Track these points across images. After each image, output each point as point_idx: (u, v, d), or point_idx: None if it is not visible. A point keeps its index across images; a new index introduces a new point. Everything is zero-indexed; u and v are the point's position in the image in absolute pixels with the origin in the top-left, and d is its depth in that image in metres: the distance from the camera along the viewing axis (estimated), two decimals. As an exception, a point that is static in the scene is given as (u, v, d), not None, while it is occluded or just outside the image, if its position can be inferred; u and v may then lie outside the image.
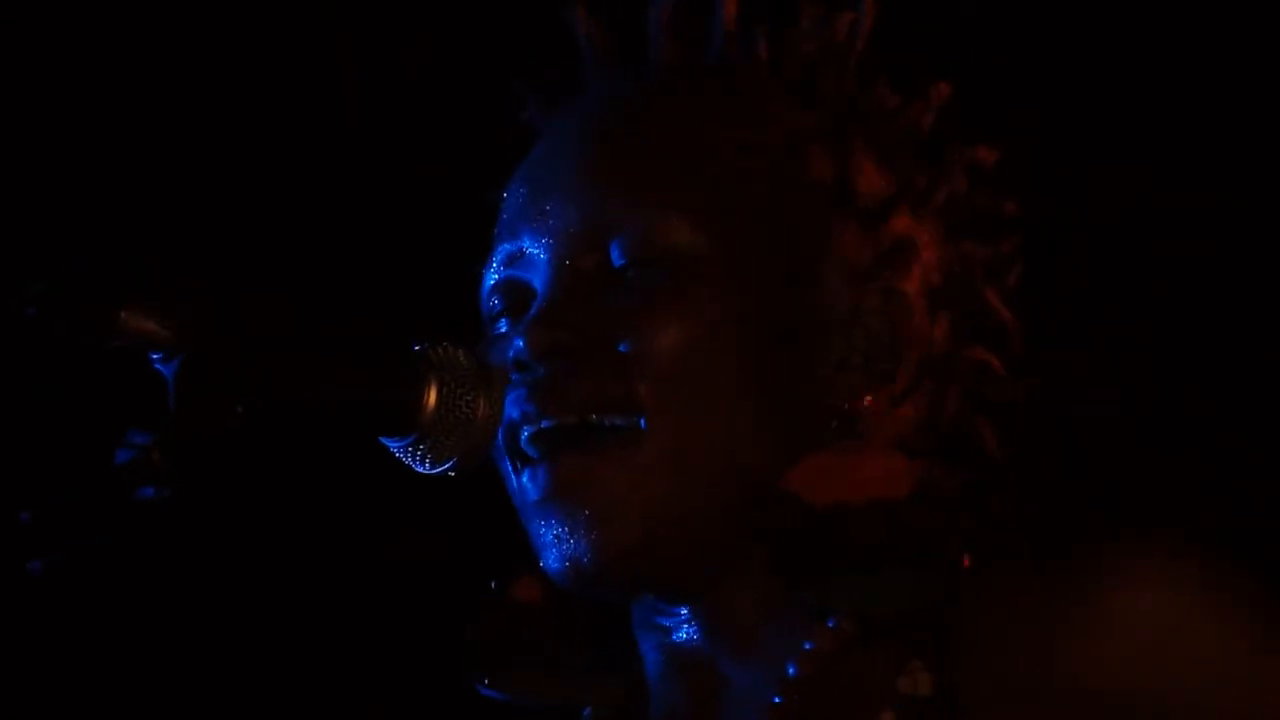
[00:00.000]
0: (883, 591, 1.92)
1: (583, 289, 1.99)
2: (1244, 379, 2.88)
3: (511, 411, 1.97)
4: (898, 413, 2.03)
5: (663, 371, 1.95)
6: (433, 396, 1.90)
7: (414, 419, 1.90)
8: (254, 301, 1.81)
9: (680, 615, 2.01)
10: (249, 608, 3.19)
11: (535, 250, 2.02)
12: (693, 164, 2.01)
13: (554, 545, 1.96)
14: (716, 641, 1.99)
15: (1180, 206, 2.89)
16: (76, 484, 1.72)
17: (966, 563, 1.94)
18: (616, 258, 1.99)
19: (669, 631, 2.02)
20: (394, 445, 1.92)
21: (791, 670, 1.93)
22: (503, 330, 2.05)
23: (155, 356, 1.77)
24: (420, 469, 1.94)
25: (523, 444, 1.98)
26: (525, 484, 1.99)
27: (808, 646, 1.93)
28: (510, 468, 2.01)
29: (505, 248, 2.06)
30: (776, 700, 1.93)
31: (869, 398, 2.01)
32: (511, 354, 1.98)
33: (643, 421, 1.95)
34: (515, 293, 2.05)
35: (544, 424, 1.96)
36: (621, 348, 1.95)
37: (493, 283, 2.07)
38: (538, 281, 2.02)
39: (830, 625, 1.93)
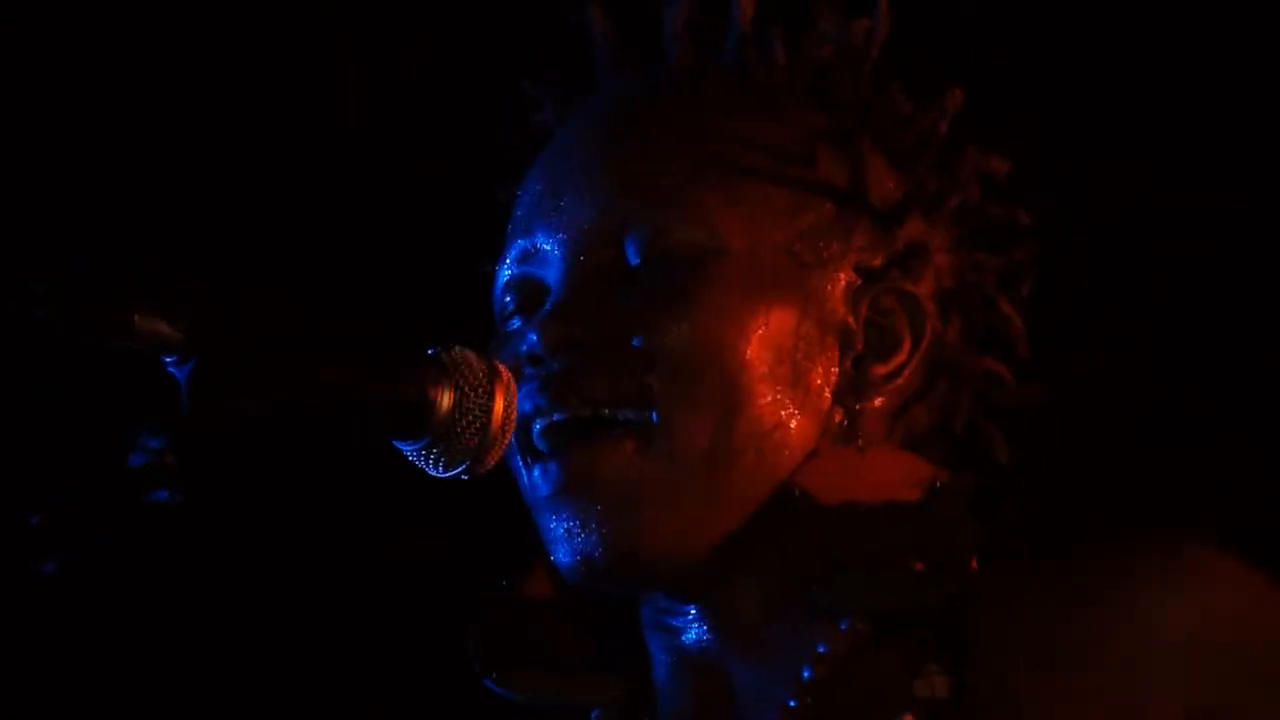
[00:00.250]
0: (893, 592, 1.92)
1: (597, 285, 2.00)
2: (1244, 379, 2.88)
3: (524, 405, 1.97)
4: (909, 414, 2.04)
5: (676, 367, 1.95)
6: (447, 399, 1.90)
7: (428, 422, 1.90)
8: (266, 303, 1.81)
9: (689, 615, 2.01)
10: (249, 608, 3.19)
11: (549, 246, 2.03)
12: (708, 163, 2.02)
13: (565, 540, 1.97)
14: (725, 642, 1.99)
15: (1180, 206, 2.89)
16: (81, 485, 1.72)
17: (974, 565, 1.94)
18: (631, 254, 2.00)
19: (678, 632, 2.02)
20: (408, 448, 1.93)
21: (806, 673, 1.93)
22: (515, 326, 2.06)
23: (168, 359, 1.77)
24: (434, 472, 1.94)
25: (534, 438, 1.99)
26: (536, 479, 1.99)
27: (822, 649, 1.93)
28: (521, 464, 2.02)
29: (520, 244, 2.07)
30: (791, 703, 1.93)
31: (880, 399, 2.02)
32: (525, 348, 1.99)
33: (655, 415, 1.96)
34: (529, 289, 2.06)
35: (556, 417, 1.98)
36: (635, 343, 1.96)
37: (506, 279, 2.08)
38: (551, 277, 2.03)
39: (843, 627, 1.93)
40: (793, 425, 1.98)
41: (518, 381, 1.95)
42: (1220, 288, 2.89)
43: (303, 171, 3.19)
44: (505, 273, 2.09)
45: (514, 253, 2.07)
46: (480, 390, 1.92)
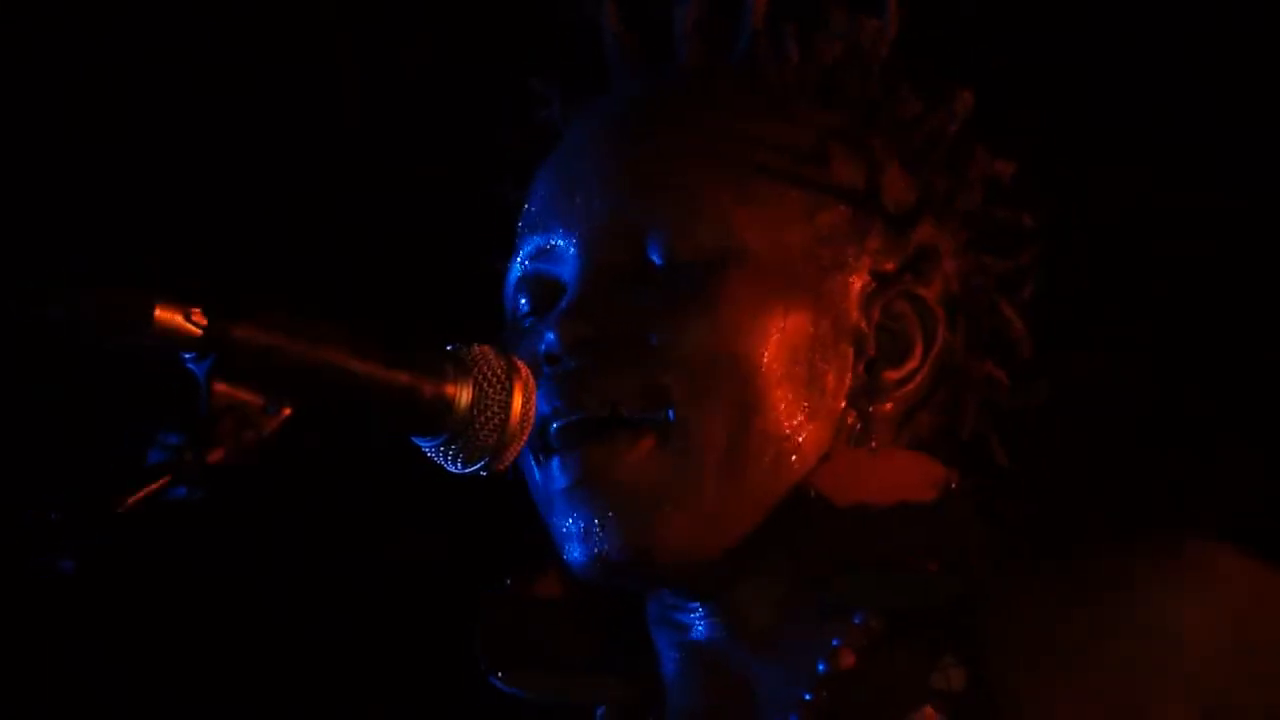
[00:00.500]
0: (905, 591, 1.93)
1: (614, 284, 2.00)
2: (1244, 379, 2.88)
3: (541, 406, 1.97)
4: (915, 419, 2.05)
5: (692, 366, 1.96)
6: (466, 396, 1.90)
7: (446, 419, 1.90)
8: (282, 300, 1.81)
9: (698, 612, 2.01)
10: (249, 607, 3.19)
11: (565, 244, 2.03)
12: (724, 164, 2.02)
13: (579, 536, 1.97)
14: (735, 639, 2.00)
15: (1180, 206, 2.89)
16: (94, 482, 1.71)
17: (982, 565, 1.95)
18: (649, 255, 2.00)
19: (688, 629, 2.02)
20: (426, 445, 1.93)
21: (822, 667, 1.93)
22: (530, 324, 2.06)
23: (187, 356, 1.77)
24: (451, 469, 1.94)
25: (550, 438, 1.99)
26: (553, 473, 1.99)
27: (836, 643, 1.93)
28: (534, 461, 2.02)
29: (535, 241, 2.07)
30: (807, 697, 1.93)
31: (890, 403, 2.03)
32: (543, 347, 1.99)
33: (671, 414, 1.96)
34: (543, 286, 2.06)
35: (573, 417, 1.98)
36: (652, 342, 1.96)
37: (520, 276, 2.08)
38: (567, 275, 2.03)
39: (858, 622, 1.93)
40: (808, 427, 1.99)
41: (535, 379, 1.95)
42: (1220, 288, 2.89)
43: (303, 171, 3.19)
44: (519, 270, 2.09)
45: (528, 249, 2.07)
46: (499, 387, 1.92)
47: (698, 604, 2.01)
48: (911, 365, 2.04)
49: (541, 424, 1.98)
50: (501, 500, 2.07)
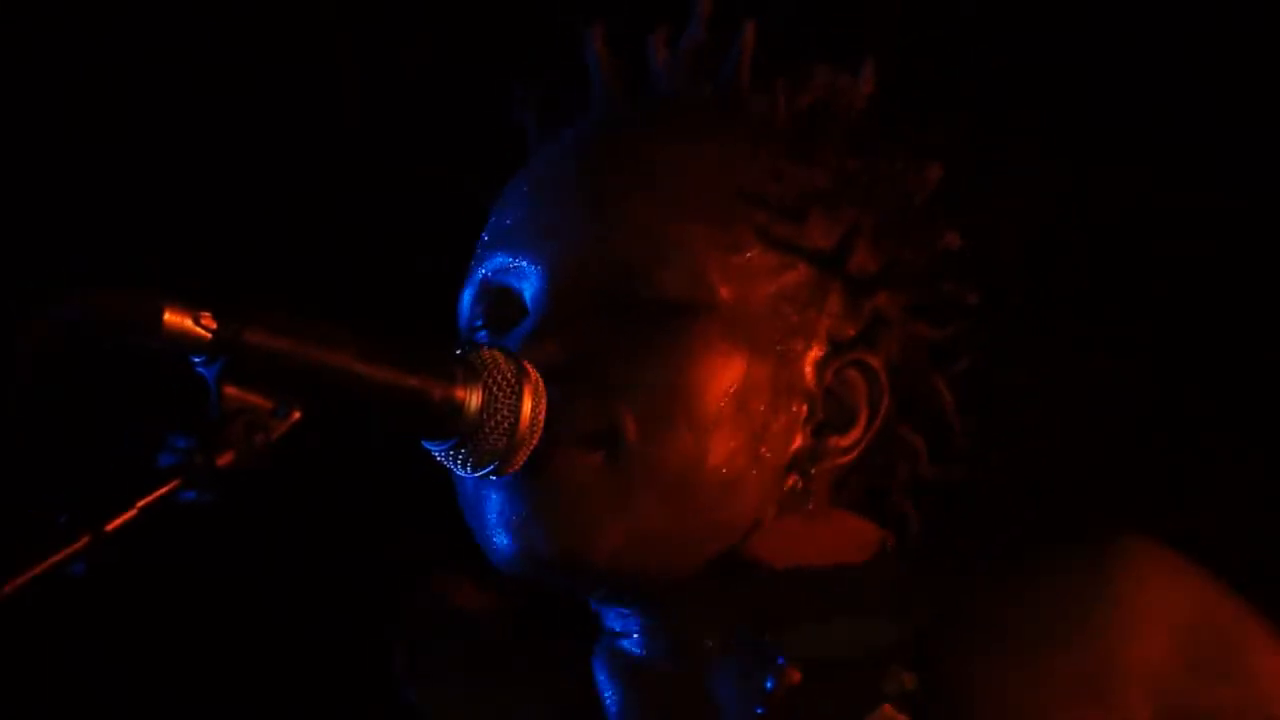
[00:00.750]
0: (837, 643, 1.94)
1: (579, 313, 2.00)
2: (1244, 379, 2.88)
3: None
4: (850, 480, 2.06)
5: (651, 406, 1.97)
6: (475, 400, 1.90)
7: (456, 422, 1.90)
8: (283, 301, 1.81)
9: (641, 632, 2.02)
10: (249, 607, 3.19)
11: (530, 267, 2.03)
12: (700, 207, 2.02)
13: (510, 525, 1.96)
14: (681, 659, 2.00)
15: (1180, 206, 2.89)
16: (102, 485, 1.71)
17: (924, 616, 1.96)
18: (615, 287, 2.00)
19: (632, 652, 2.03)
20: (436, 448, 1.93)
21: (770, 684, 1.94)
22: (482, 340, 2.05)
23: (197, 359, 1.77)
24: (461, 472, 1.95)
25: None
26: None
27: (782, 661, 1.94)
28: None
29: (501, 257, 2.06)
30: (760, 711, 1.94)
31: (830, 467, 2.04)
32: None
33: (625, 446, 1.96)
34: (503, 302, 2.05)
35: None
36: (613, 377, 1.96)
37: (481, 288, 2.07)
38: (529, 295, 2.03)
39: (780, 662, 1.94)
40: (752, 475, 2.00)
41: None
42: (1220, 288, 2.89)
43: (303, 171, 3.19)
44: (480, 279, 2.08)
45: (493, 263, 2.07)
46: (509, 391, 1.92)
47: (638, 621, 2.01)
48: (855, 434, 2.06)
49: None
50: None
